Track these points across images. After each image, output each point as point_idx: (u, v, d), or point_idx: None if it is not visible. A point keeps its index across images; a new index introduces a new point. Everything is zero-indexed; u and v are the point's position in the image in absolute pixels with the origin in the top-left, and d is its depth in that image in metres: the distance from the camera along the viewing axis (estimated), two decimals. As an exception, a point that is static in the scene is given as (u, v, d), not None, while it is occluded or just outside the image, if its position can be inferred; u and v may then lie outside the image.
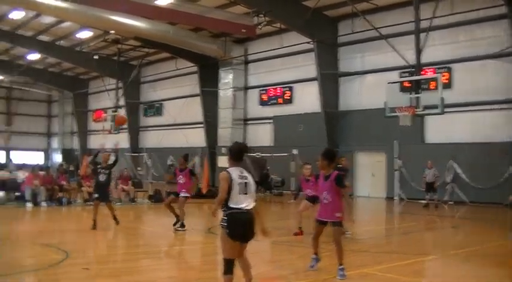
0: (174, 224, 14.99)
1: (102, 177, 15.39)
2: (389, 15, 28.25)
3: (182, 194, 15.08)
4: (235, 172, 7.40)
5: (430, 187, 24.03)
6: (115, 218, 15.43)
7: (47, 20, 36.64)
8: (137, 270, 9.91)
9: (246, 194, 7.35)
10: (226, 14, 30.47)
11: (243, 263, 7.63)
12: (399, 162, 28.27)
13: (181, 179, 15.20)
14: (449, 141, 26.37)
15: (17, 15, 34.98)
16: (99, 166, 15.56)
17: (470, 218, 20.95)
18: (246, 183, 7.39)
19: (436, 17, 22.70)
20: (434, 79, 22.96)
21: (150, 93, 47.63)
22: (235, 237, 7.23)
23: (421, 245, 13.75)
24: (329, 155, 9.55)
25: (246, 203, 7.31)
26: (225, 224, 7.24)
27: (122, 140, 46.17)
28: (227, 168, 7.50)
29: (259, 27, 29.08)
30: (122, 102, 45.18)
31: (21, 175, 23.55)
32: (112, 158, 16.90)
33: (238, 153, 7.66)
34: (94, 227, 14.66)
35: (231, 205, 7.25)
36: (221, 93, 37.63)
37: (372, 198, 29.00)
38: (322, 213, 9.43)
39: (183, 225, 14.86)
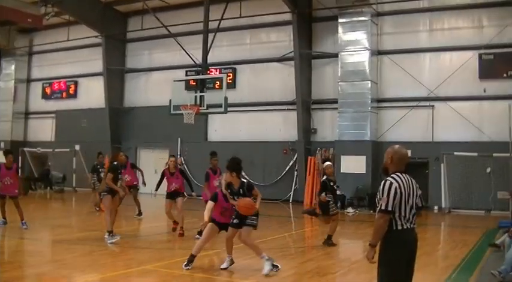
0: None
1: None
2: (179, 14, 28.47)
3: None
4: None
5: None
6: None
7: None
8: None
9: None
10: (12, 2, 28.69)
11: None
12: (181, 159, 28.68)
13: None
14: (232, 140, 27.28)
15: None
16: None
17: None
18: None
19: (224, 19, 23.34)
20: (219, 79, 23.61)
21: None
22: None
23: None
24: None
25: None
26: None
27: None
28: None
29: (47, 17, 27.79)
30: None
31: None
32: None
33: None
34: None
35: None
36: (1, 84, 35.50)
37: (154, 195, 28.95)
38: None
39: None
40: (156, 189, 15.58)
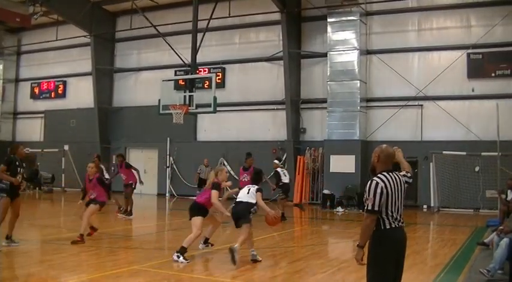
0: None
1: None
2: (168, 14, 28.55)
3: None
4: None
5: (204, 183, 24.82)
6: None
7: None
8: None
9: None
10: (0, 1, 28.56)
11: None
12: (171, 159, 28.70)
13: None
14: (221, 140, 27.28)
15: None
16: None
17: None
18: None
19: (213, 19, 23.28)
20: (208, 78, 23.57)
21: None
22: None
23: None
24: None
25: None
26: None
27: None
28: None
29: (35, 17, 27.63)
30: None
31: None
32: None
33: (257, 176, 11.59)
34: None
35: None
36: (-11, 84, 35.38)
37: (143, 195, 28.86)
38: None
39: None
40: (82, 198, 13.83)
